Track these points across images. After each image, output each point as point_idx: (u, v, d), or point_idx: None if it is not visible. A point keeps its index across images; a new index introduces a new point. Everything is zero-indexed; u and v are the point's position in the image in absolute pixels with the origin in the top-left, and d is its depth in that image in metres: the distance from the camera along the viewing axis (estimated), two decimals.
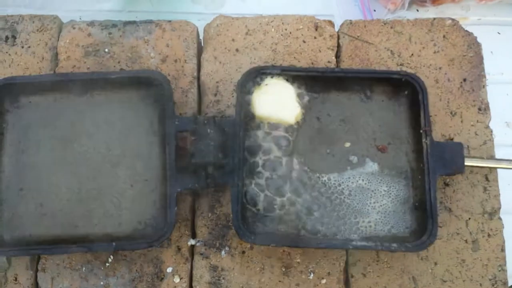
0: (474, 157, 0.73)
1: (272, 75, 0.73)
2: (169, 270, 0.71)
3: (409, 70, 0.78)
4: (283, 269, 0.72)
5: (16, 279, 0.72)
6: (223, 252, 0.72)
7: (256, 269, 0.72)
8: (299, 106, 0.74)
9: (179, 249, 0.72)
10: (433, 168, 0.69)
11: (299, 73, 0.74)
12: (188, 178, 0.69)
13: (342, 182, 0.72)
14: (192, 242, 0.73)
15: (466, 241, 0.73)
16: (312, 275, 0.71)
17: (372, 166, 0.73)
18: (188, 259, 0.72)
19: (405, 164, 0.73)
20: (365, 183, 0.72)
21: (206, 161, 0.69)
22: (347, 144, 0.73)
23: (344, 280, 0.72)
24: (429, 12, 0.94)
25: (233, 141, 0.70)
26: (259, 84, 0.73)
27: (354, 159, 0.73)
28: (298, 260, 0.72)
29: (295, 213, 0.70)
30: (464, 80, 0.78)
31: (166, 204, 0.69)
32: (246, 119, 0.73)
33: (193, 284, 0.71)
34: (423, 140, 0.70)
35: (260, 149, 0.72)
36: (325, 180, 0.72)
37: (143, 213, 0.71)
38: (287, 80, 0.74)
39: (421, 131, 0.71)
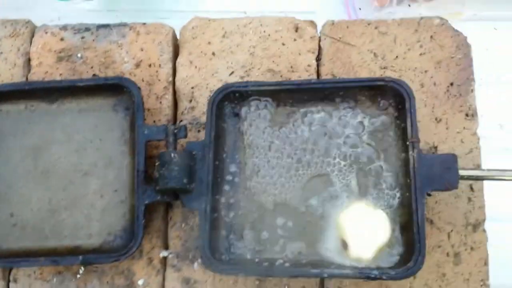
0: (468, 168, 0.67)
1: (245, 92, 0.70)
2: (140, 282, 0.70)
3: (393, 74, 0.74)
4: (257, 282, 0.70)
5: None
6: (195, 264, 0.71)
7: (229, 282, 0.70)
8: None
9: (150, 260, 0.71)
10: (420, 184, 0.63)
11: (272, 87, 0.70)
12: (155, 191, 0.67)
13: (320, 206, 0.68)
14: (164, 253, 0.71)
15: (447, 254, 0.70)
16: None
17: (355, 186, 0.69)
18: (160, 271, 0.71)
19: (393, 180, 0.68)
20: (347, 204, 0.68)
21: (169, 187, 0.66)
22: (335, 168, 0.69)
23: None
24: (421, 7, 0.89)
25: (201, 165, 0.67)
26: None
27: (335, 179, 0.69)
28: None
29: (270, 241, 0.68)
30: (451, 84, 0.74)
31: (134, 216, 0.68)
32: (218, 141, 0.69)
33: None
34: (410, 152, 0.65)
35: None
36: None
37: (113, 225, 0.70)
38: None
39: (407, 143, 0.65)
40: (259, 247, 0.68)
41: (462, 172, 0.63)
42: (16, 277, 0.72)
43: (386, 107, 0.69)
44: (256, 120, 0.71)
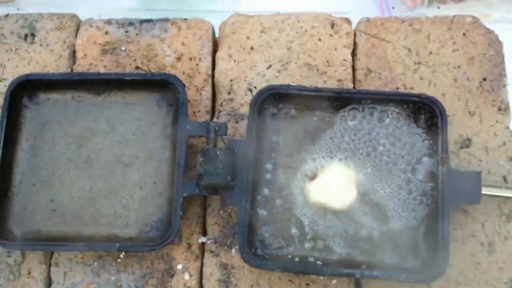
0: (491, 186, 0.71)
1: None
2: (179, 267, 0.72)
3: (427, 69, 0.77)
4: None
5: (29, 273, 0.73)
6: (233, 250, 0.72)
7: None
8: None
9: (189, 246, 0.73)
10: (448, 197, 0.67)
11: (311, 92, 0.73)
12: (196, 184, 0.69)
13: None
14: (202, 239, 0.73)
15: (481, 243, 0.71)
16: None
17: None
18: (199, 257, 0.73)
19: (422, 189, 0.71)
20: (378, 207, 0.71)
21: (213, 184, 0.68)
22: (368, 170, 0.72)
23: (355, 281, 0.71)
24: (450, 10, 0.92)
25: (242, 163, 0.69)
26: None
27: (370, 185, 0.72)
28: None
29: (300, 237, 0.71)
30: (484, 79, 0.76)
31: (172, 208, 0.70)
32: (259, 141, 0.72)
33: (203, 282, 0.72)
34: (439, 167, 0.69)
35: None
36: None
37: (150, 216, 0.72)
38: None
39: (437, 158, 0.69)
40: (289, 243, 0.71)
41: (484, 191, 0.68)
42: (58, 261, 0.73)
43: (419, 120, 0.73)
44: (291, 121, 0.74)
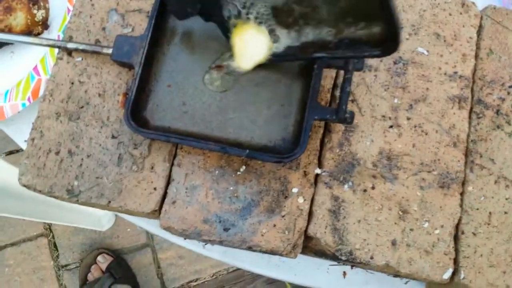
0: None
1: None
2: (294, 190, 0.75)
3: None
4: (400, 213, 0.75)
5: (152, 168, 0.75)
6: (346, 186, 0.76)
7: (374, 207, 0.75)
8: None
9: (305, 174, 0.76)
10: None
11: None
12: (325, 110, 0.73)
13: None
14: (318, 171, 0.76)
15: None
16: (426, 224, 0.75)
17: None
18: (313, 185, 0.76)
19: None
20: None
21: None
22: None
23: (455, 234, 0.76)
24: None
25: None
26: None
27: None
28: (415, 208, 0.76)
29: None
30: None
31: (297, 130, 0.74)
32: None
33: (314, 208, 0.75)
34: None
35: None
36: None
37: (274, 134, 0.76)
38: None
39: None
40: None
41: None
42: (181, 163, 0.76)
43: None
44: None
